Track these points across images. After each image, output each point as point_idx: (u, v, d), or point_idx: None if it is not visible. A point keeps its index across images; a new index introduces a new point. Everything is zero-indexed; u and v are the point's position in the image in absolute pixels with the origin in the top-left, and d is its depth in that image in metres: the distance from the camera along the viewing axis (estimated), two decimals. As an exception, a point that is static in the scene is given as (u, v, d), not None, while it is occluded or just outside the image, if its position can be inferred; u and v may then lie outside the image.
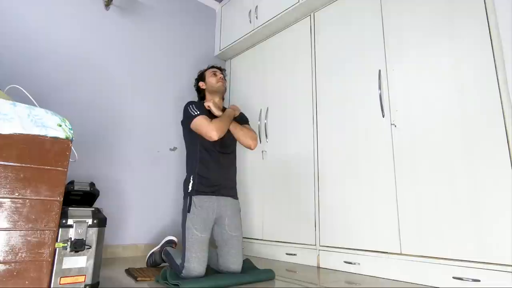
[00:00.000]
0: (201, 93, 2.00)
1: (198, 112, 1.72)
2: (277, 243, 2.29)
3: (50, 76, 2.14)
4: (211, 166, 1.74)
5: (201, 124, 1.69)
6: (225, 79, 2.02)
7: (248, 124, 2.00)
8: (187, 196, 1.68)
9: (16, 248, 1.00)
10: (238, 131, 1.83)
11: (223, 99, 1.99)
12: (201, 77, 2.02)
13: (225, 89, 1.98)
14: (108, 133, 2.34)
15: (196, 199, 1.65)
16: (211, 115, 1.78)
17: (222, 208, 1.71)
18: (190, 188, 1.69)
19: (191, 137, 1.79)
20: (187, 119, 1.76)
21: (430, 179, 1.59)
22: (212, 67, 2.04)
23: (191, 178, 1.72)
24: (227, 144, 1.82)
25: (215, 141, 1.71)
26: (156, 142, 2.58)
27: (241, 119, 1.97)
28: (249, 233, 2.52)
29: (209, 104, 1.83)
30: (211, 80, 1.93)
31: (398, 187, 1.71)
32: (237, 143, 1.91)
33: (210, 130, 1.65)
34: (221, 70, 2.03)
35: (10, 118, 1.04)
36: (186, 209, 1.64)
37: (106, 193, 2.14)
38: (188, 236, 1.58)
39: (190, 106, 1.78)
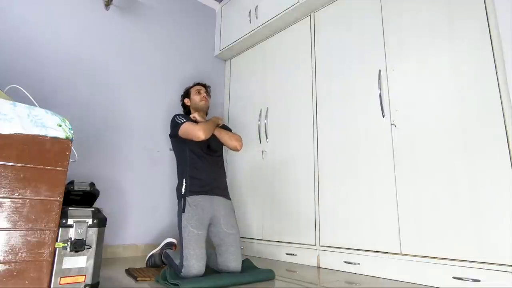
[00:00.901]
0: (186, 109, 2.16)
1: (184, 120, 1.86)
2: (277, 243, 2.29)
3: (50, 76, 2.14)
4: (202, 168, 1.83)
5: (188, 127, 1.82)
6: (210, 96, 2.19)
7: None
8: (181, 198, 1.75)
9: (16, 248, 1.00)
10: (223, 135, 1.95)
11: (206, 114, 2.13)
12: (186, 94, 2.17)
13: (208, 106, 2.12)
14: (108, 133, 2.34)
15: (190, 199, 1.72)
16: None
17: (216, 208, 1.76)
18: (183, 191, 1.76)
19: (180, 145, 1.90)
20: (174, 127, 1.88)
21: (430, 179, 1.59)
22: (198, 84, 2.18)
23: (183, 181, 1.80)
24: (214, 148, 1.93)
25: (202, 145, 1.85)
26: (156, 142, 2.59)
27: (225, 128, 2.10)
28: (249, 233, 2.52)
29: (194, 114, 1.98)
30: (195, 98, 2.08)
31: (398, 187, 1.71)
32: (224, 149, 2.02)
33: (197, 131, 1.78)
34: (206, 87, 2.18)
35: (10, 118, 1.04)
36: (181, 210, 1.70)
37: (106, 193, 2.14)
38: (185, 234, 1.61)
39: (177, 116, 1.92)
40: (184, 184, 1.78)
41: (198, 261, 1.54)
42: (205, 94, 2.10)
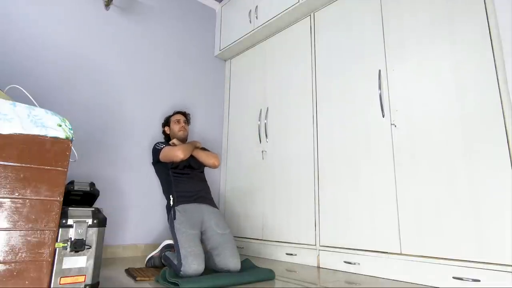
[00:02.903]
0: (166, 137, 2.36)
1: (164, 145, 2.07)
2: (277, 243, 2.29)
3: (50, 76, 2.14)
4: (186, 181, 1.99)
5: (167, 149, 2.01)
6: (189, 123, 2.39)
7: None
8: (171, 209, 1.85)
9: (16, 248, 1.00)
10: (201, 155, 2.12)
11: (186, 140, 2.29)
12: (166, 122, 2.36)
13: (187, 136, 2.29)
14: (108, 133, 2.34)
15: (179, 207, 1.83)
16: None
17: (205, 213, 1.86)
18: (172, 203, 1.88)
19: (163, 170, 2.07)
20: (155, 154, 2.08)
21: (430, 179, 1.59)
22: (178, 113, 2.36)
23: (171, 196, 1.93)
24: (193, 165, 2.09)
25: (183, 165, 2.02)
26: (156, 142, 2.58)
27: (203, 149, 2.24)
28: (249, 233, 2.52)
29: (173, 141, 2.19)
30: (174, 128, 2.27)
31: (398, 187, 1.71)
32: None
33: (176, 151, 1.97)
34: (186, 115, 2.36)
35: (10, 118, 1.04)
36: (172, 218, 1.78)
37: (106, 193, 2.14)
38: (179, 236, 1.66)
39: (157, 144, 2.13)
40: (171, 198, 1.91)
41: (195, 257, 1.55)
42: (183, 124, 2.27)
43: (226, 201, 2.80)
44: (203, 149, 2.24)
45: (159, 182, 2.53)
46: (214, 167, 2.16)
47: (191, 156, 2.07)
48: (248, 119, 2.76)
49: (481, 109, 1.48)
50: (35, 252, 1.03)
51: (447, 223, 1.51)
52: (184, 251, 1.58)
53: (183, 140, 2.25)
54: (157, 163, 2.11)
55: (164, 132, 2.38)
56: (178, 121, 2.28)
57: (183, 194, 1.91)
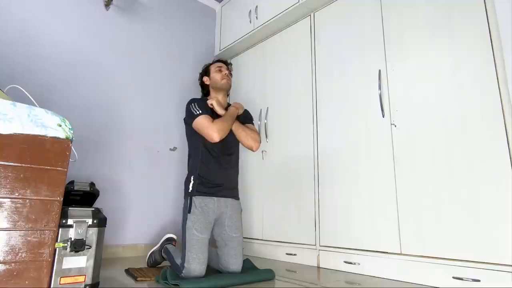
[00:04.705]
0: (205, 89, 1.95)
1: (200, 112, 1.69)
2: (277, 243, 2.29)
3: (50, 76, 2.14)
4: (212, 167, 1.71)
5: (202, 124, 1.66)
6: (231, 74, 1.96)
7: (252, 123, 1.98)
8: (188, 196, 1.67)
9: (16, 248, 1.00)
10: (240, 132, 1.79)
11: (228, 95, 1.94)
12: (205, 71, 1.95)
13: (230, 86, 1.91)
14: (108, 133, 2.34)
15: (196, 200, 1.64)
16: (214, 113, 1.77)
17: (223, 209, 1.70)
18: (190, 188, 1.68)
19: (193, 136, 1.77)
20: (189, 117, 1.73)
21: (430, 179, 1.59)
22: (219, 61, 1.97)
23: (192, 178, 1.70)
24: (229, 145, 1.78)
25: (217, 142, 1.69)
26: (156, 142, 2.59)
27: (245, 118, 1.93)
28: (249, 233, 2.52)
29: (212, 102, 1.78)
30: (216, 76, 1.87)
31: (398, 187, 1.71)
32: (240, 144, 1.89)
33: (212, 132, 1.63)
34: (227, 64, 1.97)
35: (10, 118, 1.04)
36: (187, 209, 1.63)
37: (106, 193, 2.14)
38: (188, 237, 1.58)
39: (192, 104, 1.74)
40: (192, 181, 1.68)
41: (200, 265, 1.53)
42: (226, 72, 1.89)
43: (226, 201, 2.79)
44: (246, 115, 1.95)
45: (158, 183, 2.54)
46: (252, 150, 1.83)
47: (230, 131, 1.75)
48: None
49: (481, 109, 1.48)
50: (35, 252, 1.03)
51: (447, 223, 1.51)
52: (189, 256, 1.53)
53: (226, 91, 1.91)
54: (188, 124, 1.77)
55: (202, 83, 1.95)
56: (220, 69, 1.89)
57: (205, 182, 1.67)
